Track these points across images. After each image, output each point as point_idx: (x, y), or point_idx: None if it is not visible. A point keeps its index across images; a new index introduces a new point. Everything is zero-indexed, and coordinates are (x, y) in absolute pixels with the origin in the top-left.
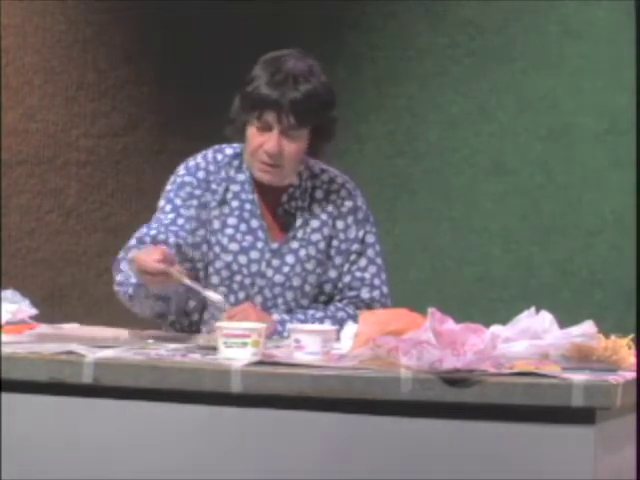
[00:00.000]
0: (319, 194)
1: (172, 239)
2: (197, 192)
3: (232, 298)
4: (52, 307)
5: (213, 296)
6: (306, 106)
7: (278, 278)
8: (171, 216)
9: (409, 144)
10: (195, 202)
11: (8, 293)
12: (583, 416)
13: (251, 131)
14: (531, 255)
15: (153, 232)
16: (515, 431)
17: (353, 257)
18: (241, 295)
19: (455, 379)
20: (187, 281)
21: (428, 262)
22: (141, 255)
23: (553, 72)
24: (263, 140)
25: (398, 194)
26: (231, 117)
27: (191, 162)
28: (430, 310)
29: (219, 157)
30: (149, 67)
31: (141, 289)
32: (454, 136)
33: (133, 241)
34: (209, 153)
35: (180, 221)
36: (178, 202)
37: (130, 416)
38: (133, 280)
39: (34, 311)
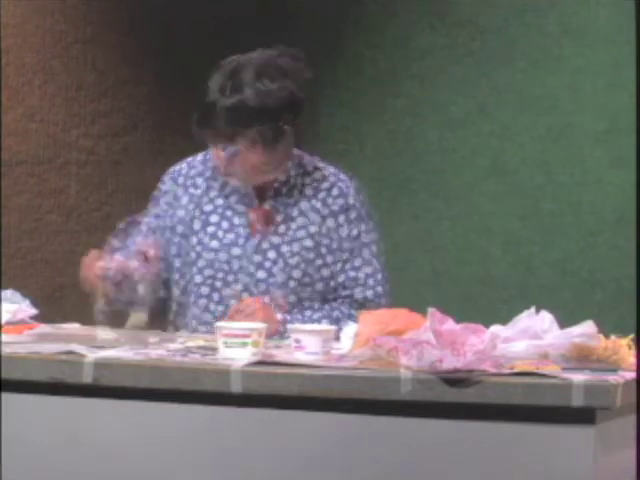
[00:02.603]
0: (309, 191)
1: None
2: (174, 201)
3: (216, 296)
4: (52, 307)
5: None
6: (234, 119)
7: (261, 274)
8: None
9: (409, 144)
10: (170, 212)
11: (8, 293)
12: (583, 416)
13: (240, 144)
14: (531, 255)
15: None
16: (515, 431)
17: (346, 256)
18: (226, 293)
19: (455, 379)
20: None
21: (428, 262)
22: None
23: (553, 72)
24: (249, 155)
25: (398, 194)
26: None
27: (176, 167)
28: (430, 310)
29: (209, 158)
30: (149, 67)
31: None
32: (454, 136)
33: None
34: (200, 155)
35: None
36: (156, 211)
37: (130, 416)
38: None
39: (34, 311)
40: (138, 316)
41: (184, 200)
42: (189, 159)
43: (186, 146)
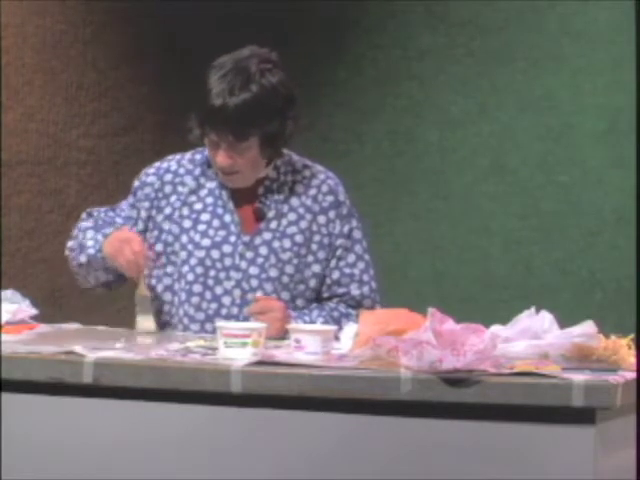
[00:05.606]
0: (299, 188)
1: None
2: (153, 194)
3: (209, 294)
4: (52, 307)
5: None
6: (243, 121)
7: (253, 270)
8: (110, 214)
9: (409, 144)
10: (147, 204)
11: (8, 293)
12: (583, 416)
13: (206, 142)
14: (531, 255)
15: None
16: (515, 431)
17: (339, 252)
18: (218, 290)
19: (455, 379)
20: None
21: (428, 262)
22: (132, 241)
23: (553, 72)
24: (214, 153)
25: (398, 194)
26: (189, 127)
27: (163, 164)
28: (430, 310)
29: (197, 157)
30: (149, 67)
31: (97, 260)
32: (454, 136)
33: (84, 215)
34: (188, 154)
35: (119, 220)
36: (130, 201)
37: (130, 416)
38: (91, 251)
39: (34, 311)
40: (147, 319)
41: (172, 198)
42: (177, 156)
43: (186, 146)
